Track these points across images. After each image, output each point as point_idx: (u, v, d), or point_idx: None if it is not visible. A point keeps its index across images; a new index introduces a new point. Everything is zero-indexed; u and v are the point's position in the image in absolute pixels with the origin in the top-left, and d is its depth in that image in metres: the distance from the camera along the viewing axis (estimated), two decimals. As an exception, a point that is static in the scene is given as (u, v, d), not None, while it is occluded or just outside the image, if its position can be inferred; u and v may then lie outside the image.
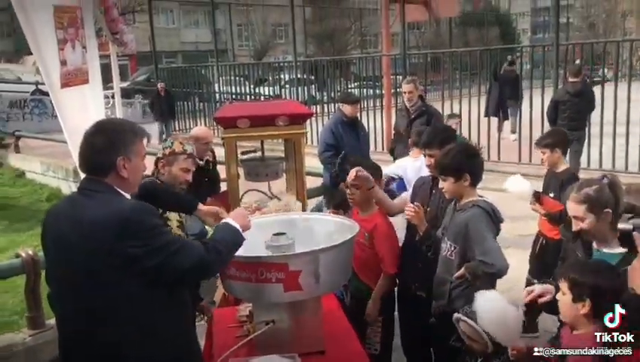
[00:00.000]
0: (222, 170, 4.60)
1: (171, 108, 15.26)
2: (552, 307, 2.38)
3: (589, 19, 50.54)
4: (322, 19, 39.45)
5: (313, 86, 15.12)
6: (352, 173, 3.45)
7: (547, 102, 8.97)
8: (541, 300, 2.45)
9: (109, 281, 2.05)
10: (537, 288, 2.51)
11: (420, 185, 3.62)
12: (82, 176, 2.29)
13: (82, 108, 5.18)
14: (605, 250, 2.44)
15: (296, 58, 14.41)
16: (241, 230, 2.38)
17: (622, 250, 2.41)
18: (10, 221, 9.02)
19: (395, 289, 3.71)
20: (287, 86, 15.46)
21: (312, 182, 5.24)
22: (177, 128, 15.88)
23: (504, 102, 12.23)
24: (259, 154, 4.20)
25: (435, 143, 3.44)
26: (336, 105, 7.62)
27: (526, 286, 3.01)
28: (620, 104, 9.10)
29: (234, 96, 15.37)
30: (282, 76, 16.44)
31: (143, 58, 27.61)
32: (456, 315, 2.69)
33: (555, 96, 8.89)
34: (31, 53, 5.18)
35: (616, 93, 9.21)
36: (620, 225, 2.43)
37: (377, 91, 13.84)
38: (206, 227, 3.97)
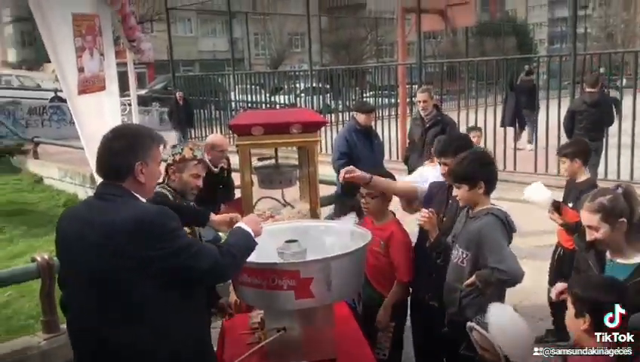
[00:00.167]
0: (236, 178, 4.62)
1: (189, 118, 15.36)
2: None
3: (608, 30, 50.20)
4: (338, 29, 39.64)
5: (328, 95, 15.15)
6: (342, 174, 3.50)
7: (564, 113, 8.90)
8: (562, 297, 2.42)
9: (125, 283, 2.07)
10: (560, 285, 2.49)
11: (437, 190, 3.59)
12: (98, 181, 2.31)
13: (99, 115, 5.23)
14: (620, 261, 2.41)
15: (312, 67, 14.46)
16: (253, 235, 2.40)
17: (637, 260, 2.38)
18: (29, 226, 9.11)
19: (408, 298, 3.70)
20: (302, 95, 15.49)
21: (325, 190, 5.23)
22: (193, 136, 15.98)
23: (520, 112, 12.15)
24: (273, 161, 4.21)
25: (450, 151, 3.42)
26: (351, 113, 7.62)
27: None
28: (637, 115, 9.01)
29: (249, 105, 15.45)
30: (298, 85, 16.49)
31: (161, 66, 27.91)
32: (469, 324, 2.66)
33: (572, 106, 8.83)
34: (50, 61, 5.25)
35: (635, 103, 9.12)
36: None
37: (393, 100, 13.82)
38: (219, 233, 3.99)
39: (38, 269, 4.26)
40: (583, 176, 4.33)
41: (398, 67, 13.14)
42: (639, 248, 2.43)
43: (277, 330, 2.64)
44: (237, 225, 2.48)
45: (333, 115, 13.41)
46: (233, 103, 16.68)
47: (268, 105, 15.46)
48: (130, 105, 7.29)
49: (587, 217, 2.44)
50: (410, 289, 3.65)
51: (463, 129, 7.97)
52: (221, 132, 13.84)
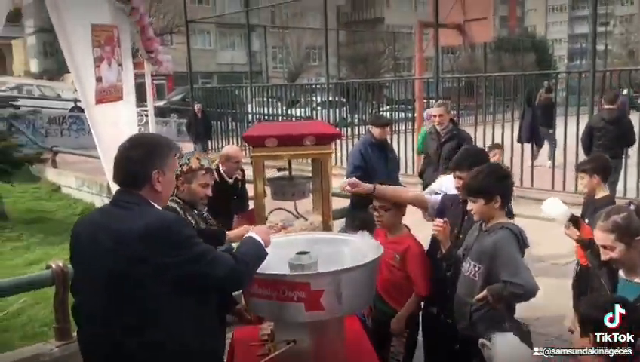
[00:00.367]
0: (250, 189, 4.63)
1: (207, 130, 15.34)
2: None
3: (629, 47, 49.85)
4: (356, 43, 39.83)
5: (345, 108, 15.17)
6: (343, 185, 3.50)
7: (582, 130, 8.81)
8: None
9: (140, 288, 2.08)
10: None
11: (450, 203, 3.54)
12: (114, 190, 2.32)
13: (115, 125, 5.28)
14: (637, 280, 2.35)
15: (329, 80, 14.50)
16: (263, 244, 2.42)
17: None
18: (46, 234, 9.20)
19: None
20: (318, 108, 15.55)
21: (338, 203, 5.23)
22: (210, 147, 16.07)
23: (537, 129, 12.05)
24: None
25: (465, 165, 3.38)
26: (367, 127, 7.62)
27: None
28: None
29: (266, 117, 15.53)
30: (314, 98, 16.55)
31: (180, 78, 28.20)
32: (481, 340, 2.62)
33: (590, 122, 8.73)
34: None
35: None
36: None
37: (409, 114, 13.80)
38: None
39: (53, 276, 4.29)
40: (602, 193, 4.26)
41: (415, 81, 13.12)
42: None
43: (287, 342, 2.61)
44: (248, 234, 2.49)
45: (349, 129, 13.41)
46: (250, 115, 16.77)
47: (284, 118, 15.52)
48: (147, 115, 7.36)
49: (601, 237, 2.39)
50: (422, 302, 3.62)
51: (479, 145, 7.92)
52: (237, 144, 13.91)
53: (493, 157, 5.92)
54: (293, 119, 15.04)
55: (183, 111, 22.01)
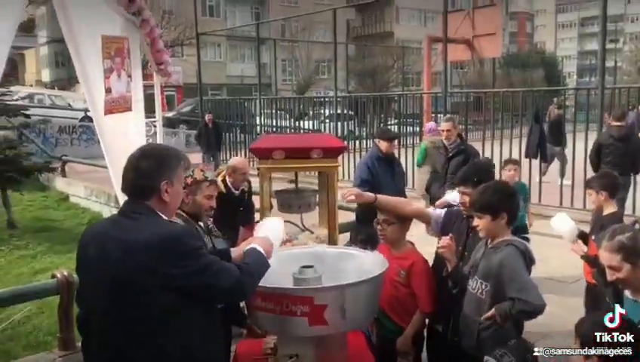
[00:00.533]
0: (257, 201, 4.64)
1: (218, 140, 15.09)
2: None
3: (638, 64, 49.74)
4: (365, 57, 39.97)
5: (353, 121, 15.19)
6: (345, 194, 3.49)
7: (590, 147, 8.77)
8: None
9: (145, 297, 2.08)
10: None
11: (454, 218, 3.50)
12: (122, 200, 2.33)
13: (124, 135, 5.29)
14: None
15: (337, 94, 14.55)
16: (266, 255, 2.42)
17: None
18: (53, 243, 9.25)
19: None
20: (327, 121, 15.58)
21: (345, 217, 5.22)
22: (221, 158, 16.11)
23: (544, 145, 12.00)
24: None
25: (470, 181, 3.34)
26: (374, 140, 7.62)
27: None
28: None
29: (274, 129, 15.57)
30: (323, 111, 16.59)
31: (190, 90, 28.37)
32: (486, 358, 2.60)
33: (599, 139, 8.69)
34: (80, 82, 5.36)
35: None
36: None
37: (417, 128, 13.80)
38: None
39: (58, 286, 4.30)
40: (610, 209, 4.23)
41: (423, 96, 13.15)
42: None
43: (289, 357, 2.60)
44: (250, 245, 2.48)
45: (357, 142, 13.42)
46: (258, 127, 16.84)
47: (292, 131, 15.55)
48: (155, 126, 7.39)
49: (607, 257, 2.35)
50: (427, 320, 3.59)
51: (487, 160, 7.88)
52: (245, 156, 13.94)
53: (509, 173, 5.89)
54: (302, 131, 15.07)
55: (192, 122, 22.10)
